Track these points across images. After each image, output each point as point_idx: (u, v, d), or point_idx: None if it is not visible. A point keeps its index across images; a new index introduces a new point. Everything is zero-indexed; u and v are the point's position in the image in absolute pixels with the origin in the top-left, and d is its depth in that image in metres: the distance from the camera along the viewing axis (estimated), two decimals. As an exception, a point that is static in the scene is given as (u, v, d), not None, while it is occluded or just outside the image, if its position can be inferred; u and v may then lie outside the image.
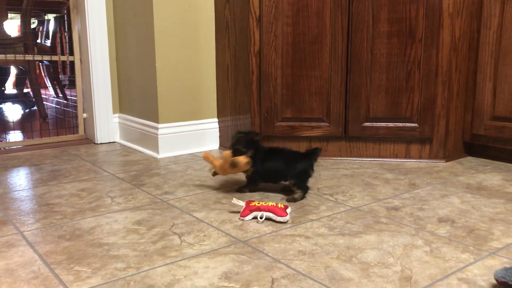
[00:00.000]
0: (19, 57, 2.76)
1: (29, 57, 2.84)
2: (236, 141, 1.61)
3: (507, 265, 1.04)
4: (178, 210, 1.47)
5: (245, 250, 1.18)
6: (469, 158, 2.11)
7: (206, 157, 1.62)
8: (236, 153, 1.57)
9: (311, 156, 1.59)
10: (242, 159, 1.54)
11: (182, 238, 1.26)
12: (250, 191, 1.64)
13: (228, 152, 1.58)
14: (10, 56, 2.73)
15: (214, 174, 1.67)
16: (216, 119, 2.37)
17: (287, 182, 1.61)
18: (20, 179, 1.84)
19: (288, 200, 1.54)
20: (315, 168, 1.61)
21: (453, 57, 1.98)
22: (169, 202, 1.54)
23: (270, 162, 1.61)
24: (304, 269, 1.08)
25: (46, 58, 3.15)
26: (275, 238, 1.25)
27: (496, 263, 1.10)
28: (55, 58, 2.62)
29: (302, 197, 1.56)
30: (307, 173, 1.58)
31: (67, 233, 1.29)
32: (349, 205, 1.51)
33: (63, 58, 2.44)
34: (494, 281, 0.99)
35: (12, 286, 1.01)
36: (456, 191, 1.64)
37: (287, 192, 1.60)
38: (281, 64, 2.06)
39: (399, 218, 1.39)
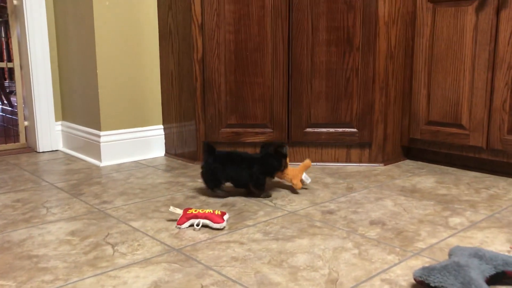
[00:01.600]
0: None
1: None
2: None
3: (427, 265, 1.08)
4: (114, 220, 1.45)
5: (178, 259, 1.18)
6: (407, 162, 2.20)
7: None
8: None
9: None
10: None
11: (115, 248, 1.25)
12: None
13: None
14: None
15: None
16: (161, 126, 2.36)
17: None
18: (-48, 191, 1.77)
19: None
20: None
21: (390, 64, 2.06)
22: (106, 212, 1.52)
23: None
24: (234, 275, 1.09)
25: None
26: (210, 245, 1.26)
27: (419, 263, 1.15)
28: (-8, 64, 2.53)
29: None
30: None
31: (-4, 246, 1.26)
32: (287, 209, 1.54)
33: (2, 64, 2.36)
34: (413, 281, 1.04)
35: None
36: (390, 194, 1.70)
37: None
38: (225, 71, 2.08)
39: (333, 221, 1.43)
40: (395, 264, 1.14)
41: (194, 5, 2.03)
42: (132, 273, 1.10)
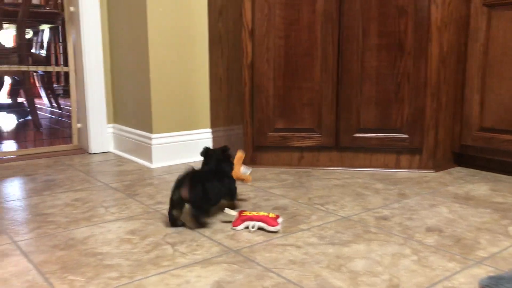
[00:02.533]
0: (14, 67, 2.78)
1: (23, 68, 2.86)
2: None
3: (492, 274, 1.06)
4: (171, 220, 1.48)
5: (237, 260, 1.20)
6: (458, 168, 2.15)
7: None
8: None
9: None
10: None
11: (175, 247, 1.28)
12: None
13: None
14: (5, 67, 2.75)
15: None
16: (209, 129, 2.40)
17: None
18: (14, 189, 1.85)
19: None
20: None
21: (442, 70, 2.02)
22: (162, 212, 1.56)
23: None
24: (294, 278, 1.10)
25: (41, 68, 3.17)
26: (266, 247, 1.28)
27: (482, 272, 1.12)
28: (49, 69, 2.64)
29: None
30: None
31: (61, 243, 1.31)
32: (339, 214, 1.54)
33: (58, 69, 2.46)
34: (478, 289, 1.02)
35: (7, 296, 1.02)
36: (444, 200, 1.68)
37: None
38: (273, 76, 2.10)
39: (388, 227, 1.42)
40: (457, 272, 1.13)
41: (244, 11, 2.06)
42: (194, 273, 1.13)
